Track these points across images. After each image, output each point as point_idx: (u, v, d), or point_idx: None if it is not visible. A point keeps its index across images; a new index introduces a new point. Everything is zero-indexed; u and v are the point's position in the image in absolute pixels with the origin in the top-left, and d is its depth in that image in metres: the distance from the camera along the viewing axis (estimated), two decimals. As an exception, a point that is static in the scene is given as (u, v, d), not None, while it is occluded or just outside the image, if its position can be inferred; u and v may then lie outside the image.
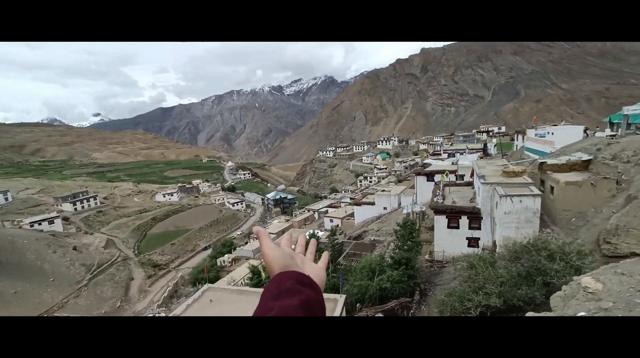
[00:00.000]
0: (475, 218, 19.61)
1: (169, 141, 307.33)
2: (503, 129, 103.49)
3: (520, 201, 16.85)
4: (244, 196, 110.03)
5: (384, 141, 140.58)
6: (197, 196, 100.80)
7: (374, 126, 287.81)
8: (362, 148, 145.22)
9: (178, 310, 14.12)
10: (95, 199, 76.88)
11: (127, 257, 54.20)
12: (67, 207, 69.78)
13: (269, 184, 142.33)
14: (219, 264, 45.73)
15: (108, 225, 67.37)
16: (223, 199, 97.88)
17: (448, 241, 20.35)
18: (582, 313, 6.30)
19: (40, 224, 55.14)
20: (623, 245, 12.79)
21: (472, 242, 19.63)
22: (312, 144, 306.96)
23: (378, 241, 28.90)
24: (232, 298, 14.12)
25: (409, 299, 16.94)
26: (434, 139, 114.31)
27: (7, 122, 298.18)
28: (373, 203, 38.09)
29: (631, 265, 8.03)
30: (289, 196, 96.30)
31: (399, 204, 35.84)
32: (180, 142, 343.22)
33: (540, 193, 17.24)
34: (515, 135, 54.34)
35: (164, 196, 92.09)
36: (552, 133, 32.02)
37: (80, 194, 75.75)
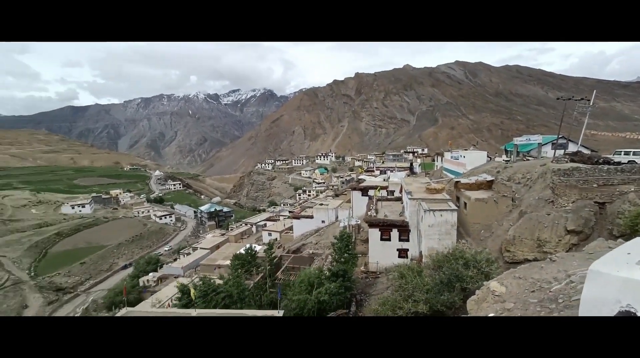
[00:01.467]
0: (404, 230, 21.44)
1: (81, 145, 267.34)
2: (426, 150, 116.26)
3: (441, 215, 19.07)
4: (173, 208, 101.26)
5: (322, 157, 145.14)
6: (117, 208, 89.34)
7: (313, 142, 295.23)
8: (301, 162, 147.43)
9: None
10: (-29, 211, 62.47)
11: (20, 280, 44.72)
12: None
13: (202, 197, 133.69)
14: (141, 284, 40.66)
15: (-8, 242, 55.02)
16: (148, 211, 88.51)
17: (381, 253, 21.76)
18: (491, 314, 7.28)
19: None
20: (519, 252, 15.40)
21: (402, 253, 21.33)
22: (251, 156, 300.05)
23: (316, 254, 29.33)
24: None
25: (345, 310, 17.48)
26: (368, 157, 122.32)
27: None
28: (312, 217, 38.69)
29: (525, 269, 9.70)
30: (225, 209, 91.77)
31: (337, 217, 37.10)
32: (96, 146, 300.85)
33: (456, 208, 19.77)
34: (436, 156, 61.50)
35: (73, 208, 79.44)
36: (464, 156, 37.20)
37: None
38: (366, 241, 23.93)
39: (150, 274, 42.60)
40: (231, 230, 62.40)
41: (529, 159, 27.33)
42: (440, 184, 24.95)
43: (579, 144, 28.86)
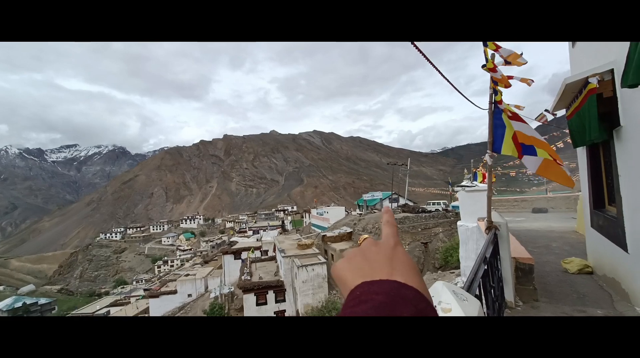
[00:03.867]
0: (280, 290, 21.09)
1: None
2: (295, 208, 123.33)
3: (313, 269, 20.02)
4: None
5: (189, 220, 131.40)
6: None
7: (177, 204, 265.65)
8: (162, 227, 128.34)
9: None
10: None
11: None
12: None
13: (1, 288, 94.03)
14: None
15: None
16: None
17: (258, 320, 20.34)
18: None
19: None
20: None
21: (280, 315, 20.59)
22: (90, 225, 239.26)
23: (181, 338, 24.52)
24: None
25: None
26: (240, 217, 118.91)
27: None
28: (175, 292, 32.99)
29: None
30: (42, 300, 66.60)
31: (206, 288, 33.04)
32: None
33: (325, 260, 21.26)
34: (304, 213, 65.99)
35: None
36: (328, 212, 41.57)
37: None
38: (241, 309, 22.01)
39: None
40: (50, 329, 45.14)
41: (375, 212, 33.10)
42: (310, 240, 26.60)
43: (405, 197, 37.40)
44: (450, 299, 1.44)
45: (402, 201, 35.85)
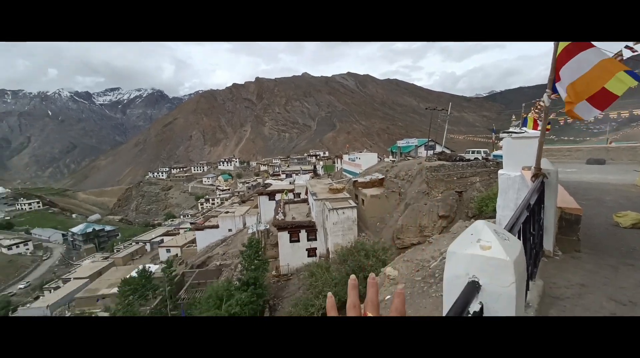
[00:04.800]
0: (312, 230, 22.38)
1: None
2: (327, 153, 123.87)
3: (343, 212, 20.71)
4: (30, 233, 79.78)
5: (226, 162, 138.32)
6: None
7: (214, 147, 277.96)
8: (202, 168, 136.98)
9: None
10: None
11: None
12: None
13: (74, 216, 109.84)
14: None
15: None
16: (-15, 242, 67.34)
17: (291, 255, 22.16)
18: (388, 297, 8.23)
19: None
20: (406, 238, 18.00)
21: (311, 252, 22.20)
22: (139, 164, 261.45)
23: (225, 265, 27.76)
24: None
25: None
26: (273, 161, 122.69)
27: None
28: (217, 226, 36.42)
29: (411, 253, 11.41)
30: (108, 228, 77.49)
31: (244, 224, 35.96)
32: None
33: (355, 205, 21.79)
34: (336, 159, 66.23)
35: None
36: (360, 158, 41.26)
37: None
38: (276, 245, 23.95)
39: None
40: (117, 251, 53.14)
41: (409, 159, 32.29)
42: (341, 185, 27.07)
43: (443, 145, 35.70)
44: (492, 237, 1.37)
45: (438, 149, 34.37)
